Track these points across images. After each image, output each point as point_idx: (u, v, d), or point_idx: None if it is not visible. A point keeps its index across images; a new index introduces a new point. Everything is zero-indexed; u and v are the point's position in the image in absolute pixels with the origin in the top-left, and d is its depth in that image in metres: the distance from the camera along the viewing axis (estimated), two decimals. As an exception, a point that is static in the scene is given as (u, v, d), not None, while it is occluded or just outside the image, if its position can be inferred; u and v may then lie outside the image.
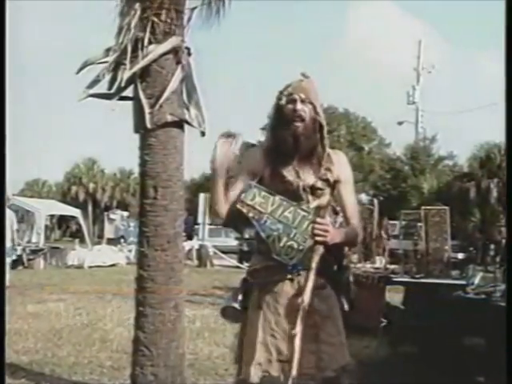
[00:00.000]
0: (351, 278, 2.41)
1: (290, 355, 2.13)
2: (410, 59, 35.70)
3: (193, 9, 3.75)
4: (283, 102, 2.29)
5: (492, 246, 18.79)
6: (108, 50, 3.55)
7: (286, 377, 2.14)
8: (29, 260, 14.26)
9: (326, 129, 2.34)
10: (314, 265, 2.16)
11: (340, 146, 27.02)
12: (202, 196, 18.01)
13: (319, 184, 2.29)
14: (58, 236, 35.47)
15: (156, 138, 3.49)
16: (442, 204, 9.50)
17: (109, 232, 27.94)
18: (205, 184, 34.21)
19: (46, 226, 23.42)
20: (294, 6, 45.77)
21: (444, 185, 27.66)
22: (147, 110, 3.43)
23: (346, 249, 2.64)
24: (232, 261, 16.10)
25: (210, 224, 18.09)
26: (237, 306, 2.32)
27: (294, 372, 2.10)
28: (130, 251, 16.97)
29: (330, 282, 2.29)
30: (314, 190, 2.28)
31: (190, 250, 16.38)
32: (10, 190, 13.69)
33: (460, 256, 16.05)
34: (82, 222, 20.35)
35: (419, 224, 7.30)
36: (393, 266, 7.33)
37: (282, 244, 2.19)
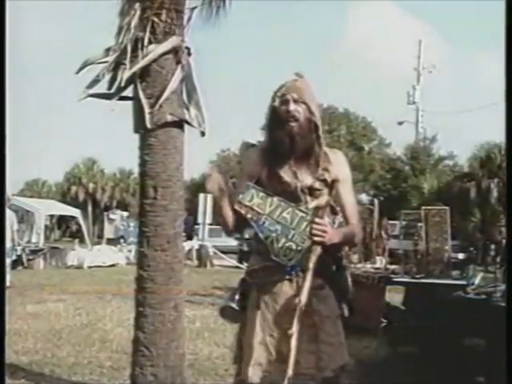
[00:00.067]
0: (350, 278, 2.40)
1: (293, 356, 2.13)
2: (410, 59, 35.72)
3: (193, 9, 3.75)
4: (277, 103, 2.29)
5: (492, 246, 18.79)
6: (108, 50, 3.55)
7: (284, 377, 2.14)
8: (28, 260, 14.25)
9: (321, 128, 2.31)
10: (311, 265, 2.15)
11: (340, 146, 27.03)
12: (201, 196, 18.00)
13: (317, 185, 2.28)
14: (58, 236, 35.45)
15: (156, 138, 3.49)
16: (443, 204, 9.50)
17: (108, 232, 27.94)
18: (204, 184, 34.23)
19: (46, 226, 23.42)
20: (294, 6, 45.72)
21: (444, 185, 27.64)
22: (147, 109, 3.43)
23: (346, 249, 2.64)
24: (232, 261, 16.10)
25: (210, 224, 18.11)
26: (234, 305, 2.32)
27: (290, 371, 2.09)
28: (129, 251, 16.96)
29: (328, 283, 2.29)
30: (312, 191, 2.28)
31: (189, 250, 16.38)
32: (10, 189, 13.71)
33: (460, 256, 16.05)
34: (81, 222, 20.34)
35: (419, 224, 7.29)
36: (393, 266, 7.33)
37: (280, 245, 2.19)
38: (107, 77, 3.54)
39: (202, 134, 3.63)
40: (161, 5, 3.50)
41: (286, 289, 2.24)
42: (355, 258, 7.60)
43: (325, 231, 2.15)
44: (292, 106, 2.25)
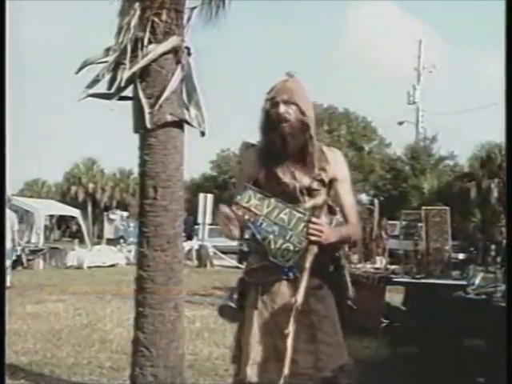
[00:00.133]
0: (348, 278, 2.39)
1: (288, 355, 2.12)
2: (411, 59, 35.72)
3: (193, 8, 3.75)
4: (267, 106, 2.29)
5: (493, 247, 18.79)
6: (108, 50, 3.54)
7: (285, 377, 2.13)
8: (28, 260, 14.24)
9: (313, 128, 2.30)
10: (307, 265, 2.15)
11: (340, 146, 27.01)
12: (201, 196, 18.01)
13: (315, 185, 2.28)
14: (58, 236, 35.43)
15: (156, 138, 3.48)
16: (443, 204, 9.49)
17: (108, 232, 27.92)
18: (204, 184, 34.26)
19: (46, 227, 23.41)
20: (294, 6, 45.77)
21: (444, 185, 27.63)
22: (147, 109, 3.43)
23: (346, 249, 2.64)
24: (232, 261, 16.09)
25: (210, 224, 18.10)
26: (233, 305, 2.32)
27: (286, 370, 2.09)
28: (129, 251, 16.96)
29: (326, 283, 2.29)
30: (310, 191, 2.28)
31: (189, 251, 16.37)
32: (10, 190, 13.69)
33: (461, 256, 16.04)
34: (81, 222, 20.33)
35: (420, 224, 7.29)
36: (393, 267, 7.32)
37: (277, 246, 2.19)
38: (107, 77, 3.53)
39: (202, 134, 3.63)
40: (161, 5, 3.50)
41: (284, 288, 2.24)
42: (355, 258, 7.59)
43: (321, 231, 2.14)
44: (282, 109, 2.25)
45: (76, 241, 17.96)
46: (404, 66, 47.24)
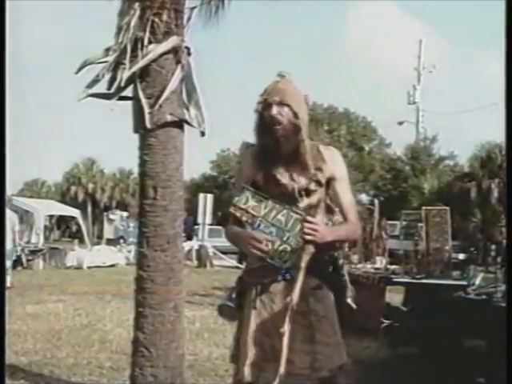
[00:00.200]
0: (347, 278, 2.39)
1: (284, 354, 2.12)
2: (411, 59, 35.74)
3: (192, 8, 3.74)
4: (259, 108, 2.28)
5: (493, 247, 18.79)
6: (108, 50, 3.54)
7: (283, 380, 2.13)
8: (28, 261, 14.23)
9: (304, 130, 2.28)
10: (303, 264, 2.14)
11: (340, 146, 27.00)
12: (201, 196, 18.00)
13: (312, 186, 2.27)
14: (57, 236, 35.44)
15: (156, 138, 3.48)
16: (443, 204, 9.48)
17: (108, 232, 27.93)
18: (204, 184, 34.26)
19: (45, 227, 23.40)
20: (294, 6, 45.74)
21: (445, 185, 27.64)
22: (147, 109, 3.42)
23: (346, 249, 2.63)
24: (232, 261, 16.07)
25: (210, 224, 18.09)
26: (231, 304, 2.31)
27: (282, 370, 2.08)
28: (129, 252, 16.96)
29: (325, 283, 2.28)
30: (308, 192, 2.27)
31: (189, 251, 16.36)
32: (10, 190, 13.69)
33: (461, 256, 16.03)
34: (81, 222, 20.32)
35: (420, 224, 7.28)
36: (393, 267, 7.32)
37: (275, 247, 2.17)
38: (107, 77, 3.53)
39: (202, 134, 3.62)
40: (161, 5, 3.49)
41: (283, 289, 2.23)
42: (355, 258, 7.58)
43: (316, 230, 2.13)
44: (274, 110, 2.24)
45: (76, 241, 17.96)
46: (404, 65, 47.34)
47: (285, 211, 2.18)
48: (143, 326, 3.47)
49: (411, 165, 30.67)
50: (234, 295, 2.32)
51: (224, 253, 17.16)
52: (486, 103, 46.64)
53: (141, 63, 3.42)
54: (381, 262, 7.67)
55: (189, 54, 3.61)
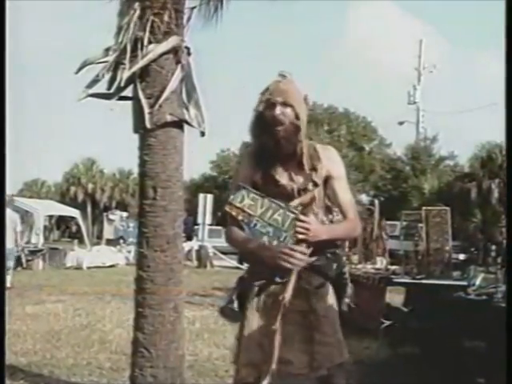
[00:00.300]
0: (347, 276, 2.38)
1: (276, 352, 2.11)
2: (411, 59, 35.75)
3: (192, 8, 3.74)
4: (261, 107, 2.27)
5: (493, 247, 18.79)
6: (107, 50, 3.53)
7: (281, 377, 2.13)
8: (27, 261, 14.21)
9: (303, 132, 2.28)
10: None
11: (340, 146, 27.02)
12: (201, 196, 17.99)
13: (310, 186, 2.27)
14: (57, 237, 35.42)
15: (155, 138, 3.47)
16: (443, 204, 9.47)
17: (108, 233, 27.93)
18: (204, 184, 34.25)
19: (45, 227, 23.38)
20: (294, 6, 45.65)
21: (445, 185, 27.66)
22: (147, 109, 3.41)
23: (347, 249, 2.63)
24: (232, 261, 16.04)
25: (210, 224, 18.08)
26: (233, 306, 2.30)
27: (274, 366, 2.08)
28: (129, 252, 16.96)
29: (328, 281, 2.28)
30: (306, 192, 2.26)
31: (189, 251, 16.36)
32: (9, 190, 13.68)
33: (461, 257, 16.04)
34: (80, 222, 20.33)
35: (420, 225, 7.27)
36: (393, 267, 7.31)
37: (272, 247, 2.16)
38: (107, 77, 3.52)
39: (202, 134, 3.62)
40: (160, 4, 3.48)
41: (283, 288, 2.22)
42: (355, 258, 7.58)
43: (308, 228, 2.12)
44: (278, 110, 2.23)
45: (75, 241, 17.96)
46: (404, 65, 47.34)
47: (281, 211, 2.16)
48: (143, 327, 3.46)
49: (411, 165, 30.68)
50: (235, 296, 2.32)
51: (224, 253, 17.15)
52: (486, 103, 46.64)
53: (141, 63, 3.42)
54: (381, 262, 7.66)
55: (189, 53, 3.61)
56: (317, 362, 2.18)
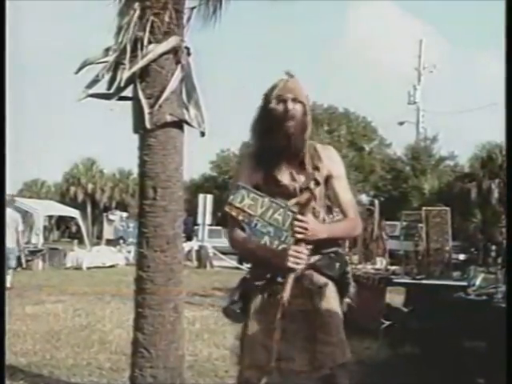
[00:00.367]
0: (350, 276, 2.38)
1: (275, 351, 2.11)
2: (411, 59, 35.77)
3: (192, 8, 3.74)
4: (273, 104, 2.27)
5: (493, 247, 18.79)
6: (107, 50, 3.53)
7: (283, 374, 2.13)
8: (27, 261, 14.19)
9: (309, 130, 2.31)
10: None
11: (340, 146, 27.02)
12: (201, 197, 17.99)
13: (312, 185, 2.27)
14: (57, 237, 35.43)
15: (155, 139, 3.47)
16: (443, 204, 9.47)
17: (108, 233, 27.93)
18: (204, 184, 34.25)
19: (45, 227, 23.39)
20: (294, 6, 45.63)
21: (445, 185, 27.66)
22: (147, 110, 3.41)
23: (347, 249, 2.63)
24: (232, 262, 16.05)
25: (210, 225, 18.08)
26: (236, 307, 2.30)
27: (273, 364, 2.09)
28: (129, 252, 16.95)
29: (331, 280, 2.28)
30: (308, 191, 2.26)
31: (189, 251, 16.35)
32: (9, 190, 13.65)
33: (461, 257, 16.03)
34: (80, 222, 20.33)
35: (420, 225, 7.27)
36: (394, 267, 7.31)
37: (273, 247, 2.16)
38: (107, 77, 3.52)
39: (202, 134, 3.62)
40: (161, 5, 3.48)
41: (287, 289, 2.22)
42: (355, 258, 7.57)
43: (305, 228, 2.12)
44: (291, 105, 2.26)
45: (75, 241, 17.97)
46: (404, 65, 47.38)
47: (281, 210, 2.16)
48: (143, 327, 3.46)
49: (411, 165, 30.68)
50: (236, 297, 2.31)
51: (224, 253, 17.15)
52: (486, 103, 46.65)
53: (141, 63, 3.42)
54: (381, 262, 7.66)
55: (188, 54, 3.61)
56: (319, 361, 2.18)
